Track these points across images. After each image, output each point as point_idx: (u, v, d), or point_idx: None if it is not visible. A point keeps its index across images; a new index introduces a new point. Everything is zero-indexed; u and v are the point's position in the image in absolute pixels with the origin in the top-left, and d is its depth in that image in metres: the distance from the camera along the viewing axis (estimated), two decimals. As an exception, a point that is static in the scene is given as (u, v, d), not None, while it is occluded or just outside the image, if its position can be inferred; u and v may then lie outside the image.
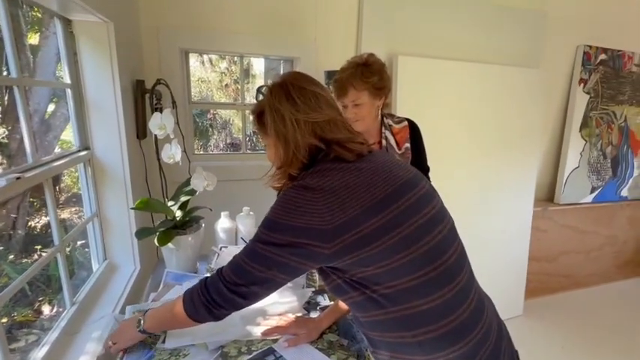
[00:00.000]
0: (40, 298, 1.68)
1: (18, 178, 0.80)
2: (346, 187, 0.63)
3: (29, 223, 1.99)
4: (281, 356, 0.78)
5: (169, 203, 1.21)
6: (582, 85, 2.44)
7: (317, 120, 0.69)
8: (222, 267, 0.70)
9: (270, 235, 0.63)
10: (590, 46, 2.41)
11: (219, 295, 0.67)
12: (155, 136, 1.15)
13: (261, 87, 0.76)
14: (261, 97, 0.75)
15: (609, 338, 2.19)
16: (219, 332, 0.84)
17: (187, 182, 1.22)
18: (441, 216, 0.68)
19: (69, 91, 1.15)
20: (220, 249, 1.24)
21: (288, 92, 0.69)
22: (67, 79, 1.14)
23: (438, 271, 0.62)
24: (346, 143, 0.69)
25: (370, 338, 0.70)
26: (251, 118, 0.77)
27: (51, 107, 1.82)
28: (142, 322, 0.78)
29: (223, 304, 0.67)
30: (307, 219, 0.60)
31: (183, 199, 1.20)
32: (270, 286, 0.66)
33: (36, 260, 0.94)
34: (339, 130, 0.71)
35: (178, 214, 1.20)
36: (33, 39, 1.70)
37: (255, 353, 0.78)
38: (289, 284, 1.09)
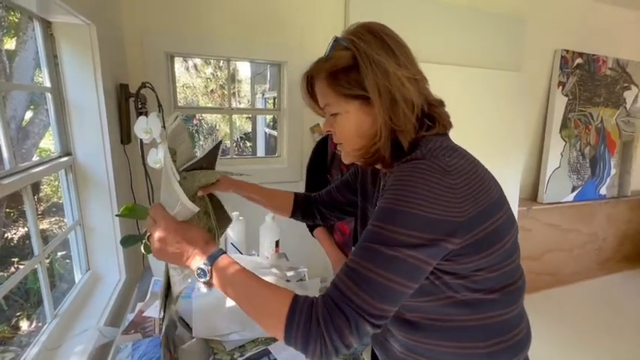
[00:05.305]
0: (18, 314, 1.60)
1: (-5, 185, 0.76)
2: (475, 173, 0.52)
3: (5, 235, 1.90)
4: (275, 358, 0.76)
5: (156, 209, 1.18)
6: (561, 87, 2.53)
7: (418, 78, 0.56)
8: (344, 296, 0.48)
9: (406, 233, 0.47)
10: (567, 51, 2.50)
11: (364, 333, 0.48)
12: (140, 140, 1.12)
13: (338, 37, 0.60)
14: (333, 50, 0.60)
15: (594, 333, 2.24)
16: (240, 331, 0.81)
17: (175, 187, 1.18)
18: None
19: (49, 95, 1.11)
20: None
21: (384, 41, 0.56)
22: (47, 83, 1.10)
23: (522, 280, 0.61)
24: (441, 109, 0.59)
25: (415, 350, 0.60)
26: (304, 80, 0.66)
27: (28, 115, 1.75)
28: (207, 272, 0.54)
29: (354, 344, 0.49)
30: (444, 209, 0.48)
31: (171, 204, 1.16)
32: (403, 299, 0.51)
33: (12, 274, 0.89)
34: (429, 94, 0.59)
35: (166, 220, 1.16)
36: (9, 44, 1.64)
37: (250, 353, 0.76)
38: (291, 283, 1.07)
